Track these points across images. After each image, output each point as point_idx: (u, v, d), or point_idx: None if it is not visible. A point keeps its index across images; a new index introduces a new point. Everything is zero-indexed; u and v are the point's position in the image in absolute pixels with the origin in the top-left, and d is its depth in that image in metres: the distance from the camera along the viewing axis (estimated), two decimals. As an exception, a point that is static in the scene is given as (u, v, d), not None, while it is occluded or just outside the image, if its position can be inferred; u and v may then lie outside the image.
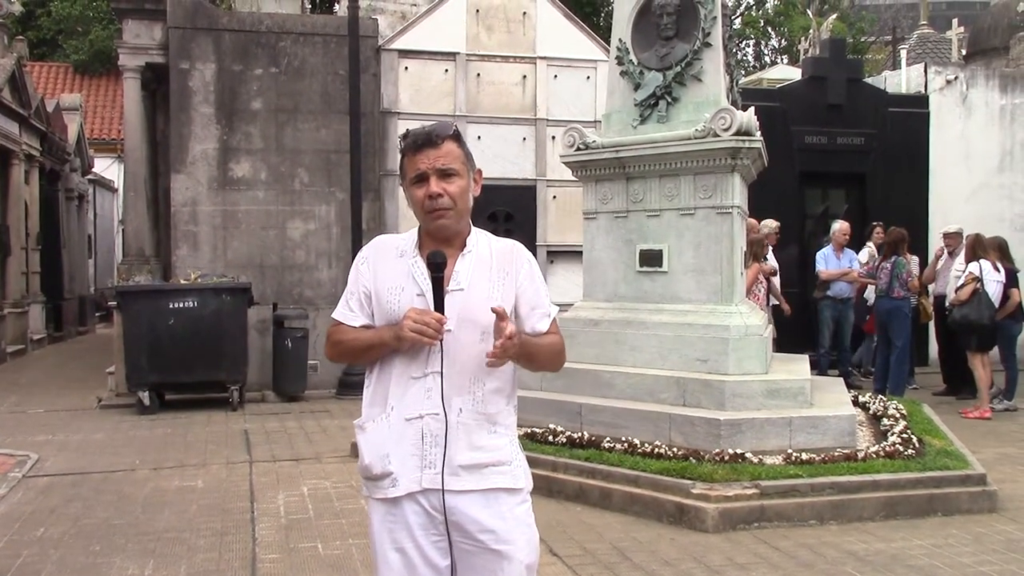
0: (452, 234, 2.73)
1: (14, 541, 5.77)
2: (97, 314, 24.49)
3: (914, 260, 11.20)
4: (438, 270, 2.61)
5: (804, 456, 6.36)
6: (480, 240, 2.79)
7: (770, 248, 10.68)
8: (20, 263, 17.86)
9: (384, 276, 2.74)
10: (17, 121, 17.22)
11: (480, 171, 2.83)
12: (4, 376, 14.20)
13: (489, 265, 2.74)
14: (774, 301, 10.47)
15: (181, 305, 10.47)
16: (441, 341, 2.61)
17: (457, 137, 2.75)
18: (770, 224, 11.00)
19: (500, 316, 2.53)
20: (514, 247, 2.83)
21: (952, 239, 11.48)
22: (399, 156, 2.81)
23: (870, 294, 11.67)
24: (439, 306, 2.61)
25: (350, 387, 11.50)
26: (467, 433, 2.66)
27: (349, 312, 2.78)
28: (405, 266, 2.72)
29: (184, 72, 11.85)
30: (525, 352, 2.67)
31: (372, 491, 2.73)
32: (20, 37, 20.93)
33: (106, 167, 27.59)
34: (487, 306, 2.60)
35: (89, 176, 25.26)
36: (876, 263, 10.97)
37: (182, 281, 11.04)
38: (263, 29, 12.15)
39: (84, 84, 29.17)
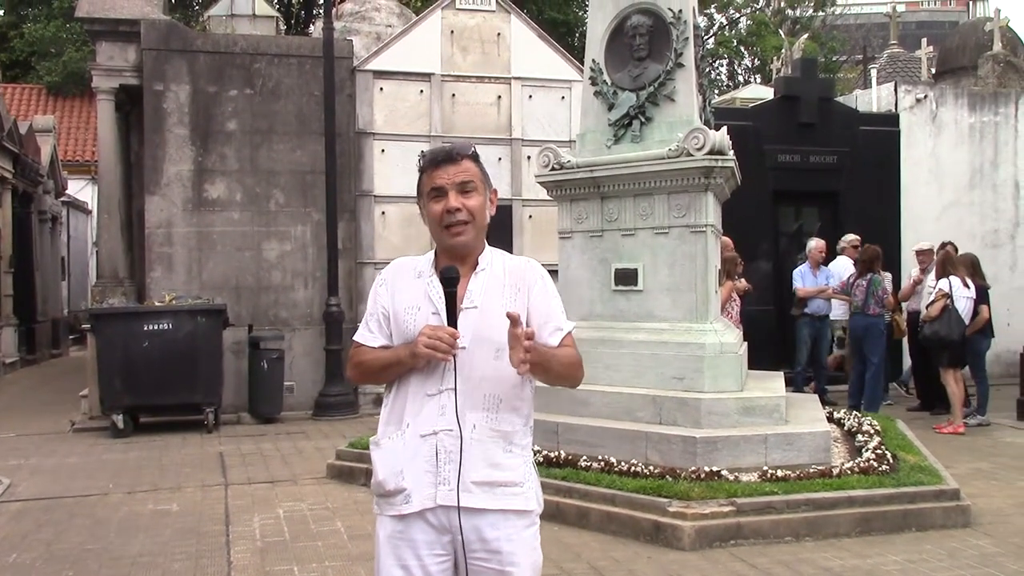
0: (469, 251, 2.76)
1: (-15, 568, 5.71)
2: (71, 337, 24.26)
3: (887, 277, 11.29)
4: (451, 285, 2.64)
5: (780, 473, 6.39)
6: (494, 258, 2.82)
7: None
8: (-8, 286, 17.69)
9: (402, 297, 2.77)
10: (-11, 143, 17.08)
11: (496, 191, 2.88)
12: (-24, 400, 14.03)
13: (502, 282, 2.76)
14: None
15: (156, 327, 10.41)
16: (455, 358, 2.63)
17: (475, 157, 2.80)
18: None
19: (514, 322, 2.54)
20: (527, 263, 2.87)
21: (924, 256, 11.59)
22: (417, 175, 2.84)
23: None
24: (452, 321, 2.63)
25: (326, 408, 11.48)
26: (482, 450, 2.67)
27: (368, 333, 2.83)
28: (422, 286, 2.76)
29: (158, 94, 11.82)
30: (540, 360, 2.65)
31: (384, 508, 2.73)
32: (-8, 59, 20.83)
33: (80, 189, 27.40)
34: (501, 323, 2.61)
35: (63, 198, 25.08)
36: (851, 280, 11.05)
37: (156, 303, 10.97)
38: (238, 50, 12.14)
39: (57, 106, 28.99)
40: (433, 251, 2.84)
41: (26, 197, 20.73)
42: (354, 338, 2.88)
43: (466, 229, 2.72)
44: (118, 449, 9.65)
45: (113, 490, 7.77)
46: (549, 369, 2.72)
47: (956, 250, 10.95)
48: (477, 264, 2.77)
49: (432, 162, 2.76)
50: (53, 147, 23.13)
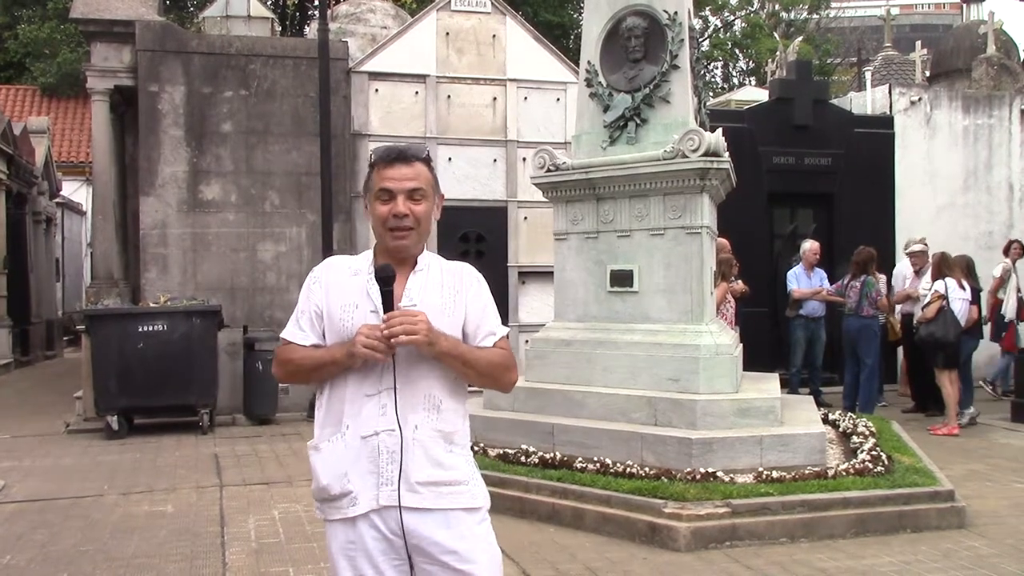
0: (409, 255, 2.76)
1: (-21, 569, 5.69)
2: (65, 338, 24.20)
3: (882, 279, 11.31)
4: (387, 284, 2.63)
5: (775, 474, 6.40)
6: (432, 260, 2.81)
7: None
8: (-14, 287, 17.65)
9: (337, 295, 2.74)
10: (-17, 144, 17.05)
11: (442, 196, 2.88)
12: (-31, 402, 14.00)
13: (440, 282, 2.76)
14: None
15: (150, 328, 10.39)
16: (394, 357, 2.62)
17: (428, 160, 2.80)
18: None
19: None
20: (464, 268, 2.85)
21: (918, 257, 11.62)
22: (368, 171, 2.83)
23: (1008, 311, 11.70)
24: None
25: (322, 410, 11.44)
26: (424, 450, 2.65)
27: (299, 331, 2.78)
28: (359, 284, 2.73)
29: (153, 95, 11.80)
30: (456, 355, 2.66)
31: (330, 512, 2.71)
32: (-13, 60, 20.80)
33: (74, 190, 27.36)
34: (439, 321, 2.63)
35: (57, 199, 25.02)
36: (845, 282, 11.08)
37: (151, 304, 10.95)
38: (233, 51, 12.13)
39: (52, 107, 28.94)
40: (371, 250, 2.82)
41: (20, 198, 20.69)
42: (282, 335, 2.83)
43: (410, 235, 2.72)
44: (113, 450, 9.63)
45: (108, 491, 7.75)
46: (469, 364, 2.71)
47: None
48: (416, 264, 2.77)
49: (385, 158, 2.73)
50: (47, 148, 23.10)
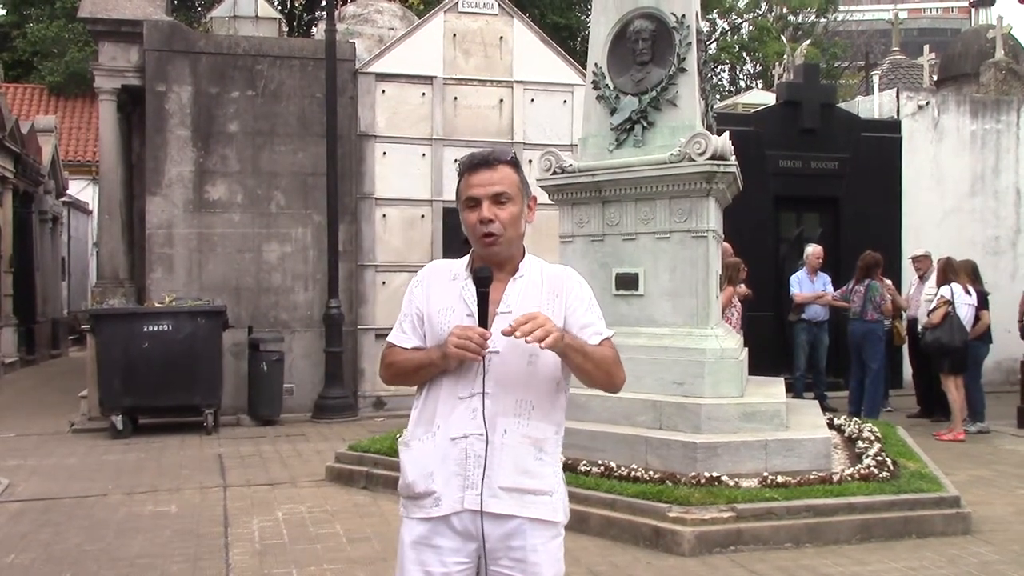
0: (503, 259, 2.75)
1: (-17, 568, 5.70)
2: (70, 337, 24.24)
3: (888, 284, 11.28)
4: (483, 285, 2.62)
5: (780, 479, 6.38)
6: (532, 265, 2.81)
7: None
8: (-8, 286, 17.69)
9: (436, 299, 2.76)
10: (-9, 143, 17.10)
11: (535, 197, 2.87)
12: (-25, 400, 14.03)
13: (540, 289, 2.75)
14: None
15: (155, 328, 10.40)
16: (487, 361, 2.62)
17: (515, 163, 2.79)
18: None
19: (508, 333, 2.53)
20: (565, 271, 2.86)
21: (921, 262, 11.59)
22: (456, 178, 2.83)
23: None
24: (483, 321, 2.61)
25: (326, 411, 11.46)
26: (512, 456, 2.65)
27: (402, 334, 2.81)
28: (456, 289, 2.75)
29: (160, 94, 11.82)
30: (577, 347, 2.65)
31: (412, 511, 2.72)
32: (-5, 58, 20.85)
33: (81, 189, 27.42)
34: None
35: (63, 198, 25.08)
36: (850, 286, 11.06)
37: (156, 304, 10.96)
38: (240, 52, 12.14)
39: (59, 106, 29.01)
40: (469, 255, 2.83)
41: (27, 197, 20.73)
42: (387, 339, 2.87)
43: (498, 240, 2.71)
44: (117, 450, 9.64)
45: (112, 491, 7.75)
46: (588, 357, 2.69)
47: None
48: (517, 270, 2.77)
49: (469, 166, 2.75)
50: (54, 147, 23.14)
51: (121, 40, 12.04)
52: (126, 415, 10.38)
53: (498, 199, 2.71)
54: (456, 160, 2.85)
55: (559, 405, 2.79)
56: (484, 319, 2.61)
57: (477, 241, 2.74)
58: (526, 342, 2.51)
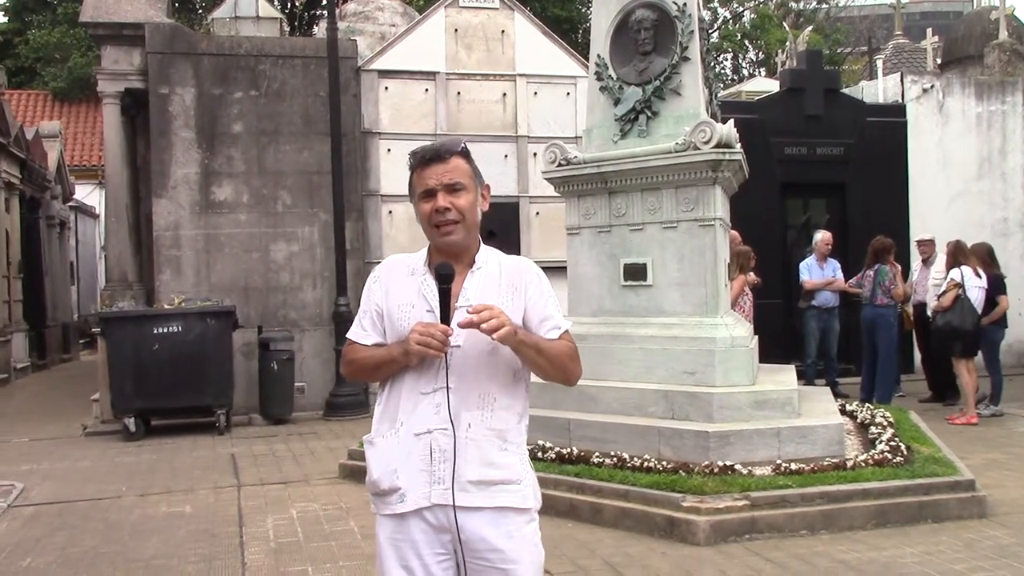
0: (460, 250, 2.75)
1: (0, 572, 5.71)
2: (81, 341, 24.31)
3: (898, 269, 11.24)
4: (445, 281, 2.61)
5: (793, 466, 6.36)
6: (490, 257, 2.80)
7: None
8: (2, 292, 17.77)
9: (395, 294, 2.76)
10: (-4, 149, 17.14)
11: (488, 186, 2.86)
12: (-13, 406, 14.08)
13: (498, 281, 2.75)
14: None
15: (165, 330, 10.42)
16: (449, 356, 2.62)
17: (465, 153, 2.78)
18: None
19: (472, 319, 2.53)
20: (521, 262, 2.85)
21: (925, 247, 11.56)
22: (408, 173, 2.81)
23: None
24: (445, 318, 2.60)
25: (337, 408, 11.47)
26: (477, 449, 2.66)
27: (361, 331, 2.81)
28: (415, 284, 2.74)
29: (164, 97, 11.83)
30: (530, 343, 2.65)
31: (380, 507, 2.73)
32: (-2, 65, 20.88)
33: (87, 194, 27.47)
34: None
35: (70, 203, 25.14)
36: (862, 273, 11.03)
37: (166, 306, 10.98)
38: (242, 52, 12.15)
39: (63, 111, 29.08)
40: (427, 249, 2.82)
41: (34, 203, 20.80)
42: (347, 335, 2.87)
43: (455, 228, 2.70)
44: (130, 452, 9.67)
45: (126, 493, 7.77)
46: (542, 353, 2.69)
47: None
48: (473, 263, 2.76)
49: (421, 161, 2.74)
50: (60, 152, 23.21)
51: (123, 44, 12.06)
52: (138, 417, 10.41)
53: (452, 188, 2.70)
54: (409, 153, 2.82)
55: (520, 395, 2.79)
56: (446, 315, 2.61)
57: (433, 231, 2.73)
58: (479, 329, 2.52)
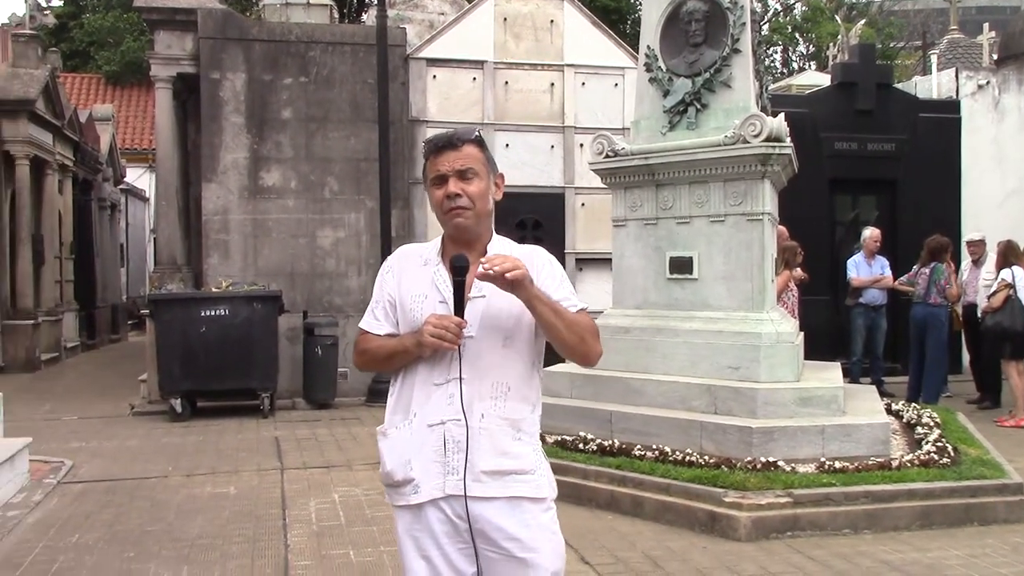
0: (472, 237, 2.74)
1: (50, 547, 5.83)
2: (129, 322, 24.72)
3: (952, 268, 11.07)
4: (460, 274, 2.60)
5: (837, 465, 6.30)
6: (502, 247, 2.78)
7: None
8: (54, 272, 18.09)
9: (408, 285, 2.76)
10: (51, 131, 17.44)
11: (502, 175, 2.84)
12: (39, 383, 14.37)
13: None
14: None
15: (212, 313, 10.55)
16: (462, 347, 2.61)
17: (479, 142, 2.76)
18: None
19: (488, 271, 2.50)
20: (534, 250, 2.82)
21: (976, 247, 11.36)
22: (423, 161, 2.82)
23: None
24: (459, 310, 2.60)
25: (380, 395, 11.51)
26: (490, 439, 2.65)
27: (374, 321, 2.81)
28: (428, 274, 2.73)
29: (215, 82, 11.95)
30: (546, 301, 2.61)
31: (394, 498, 2.74)
32: (53, 49, 21.22)
33: (137, 177, 27.87)
34: (509, 311, 2.61)
35: (121, 186, 25.52)
36: (915, 269, 10.87)
37: (213, 289, 11.12)
38: (292, 39, 12.23)
39: (116, 95, 29.51)
40: (439, 238, 2.81)
41: (86, 185, 21.14)
42: (359, 325, 2.87)
43: (466, 213, 2.69)
44: (176, 433, 9.81)
45: (172, 473, 7.90)
46: (561, 316, 2.64)
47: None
48: (485, 252, 2.74)
49: (434, 149, 2.73)
50: (112, 135, 23.57)
51: (176, 28, 12.19)
52: (185, 398, 10.56)
53: (464, 175, 2.69)
54: (423, 141, 2.82)
55: (534, 384, 2.78)
56: (460, 307, 2.60)
57: (445, 216, 2.71)
58: (492, 272, 2.48)
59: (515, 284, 2.52)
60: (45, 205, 17.62)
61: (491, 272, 2.49)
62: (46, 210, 17.65)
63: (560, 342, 2.71)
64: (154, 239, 17.80)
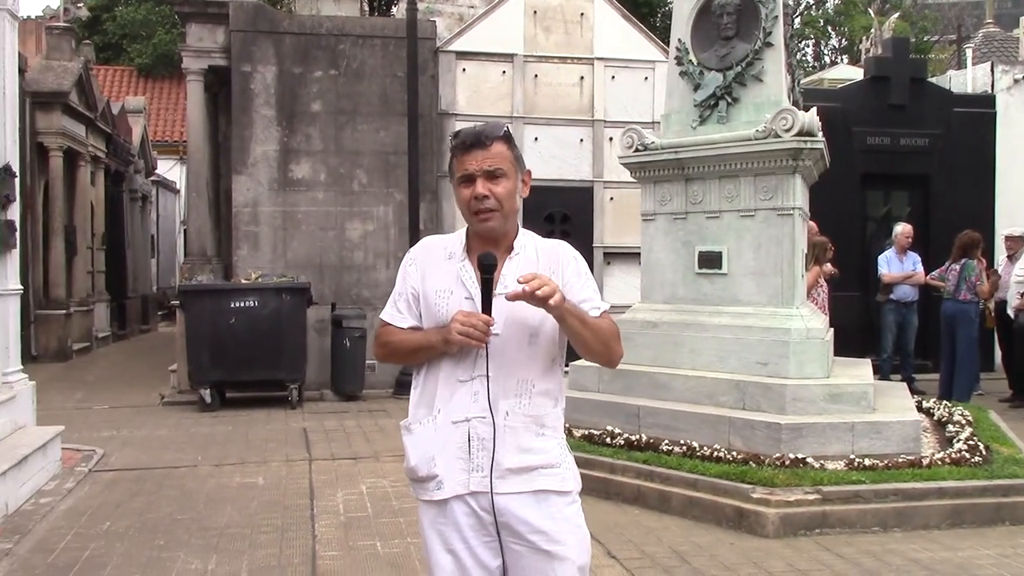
0: (499, 236, 2.72)
1: (81, 534, 5.90)
2: (159, 313, 24.94)
3: (983, 264, 10.94)
4: (489, 271, 2.59)
5: (867, 462, 6.25)
6: (527, 242, 2.77)
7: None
8: (86, 262, 18.28)
9: (432, 278, 2.74)
10: (84, 123, 17.61)
11: (529, 172, 2.82)
12: (70, 373, 14.53)
13: (536, 265, 2.70)
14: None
15: (242, 304, 10.62)
16: (488, 344, 2.60)
17: (507, 138, 2.73)
18: None
19: (520, 294, 2.50)
20: (559, 245, 2.81)
21: (1014, 242, 11.21)
22: (449, 156, 2.80)
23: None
24: (487, 308, 2.59)
25: (407, 387, 11.30)
26: (515, 436, 2.65)
27: (397, 314, 2.80)
28: (454, 269, 2.71)
29: (246, 75, 12.01)
30: (576, 313, 2.62)
31: (418, 492, 2.74)
32: (87, 41, 21.46)
33: (169, 168, 28.11)
34: (535, 310, 2.59)
35: (152, 177, 25.74)
36: (947, 265, 10.75)
37: (243, 281, 11.19)
38: (323, 32, 12.27)
39: (148, 87, 29.76)
40: (463, 231, 2.79)
41: (118, 176, 21.34)
42: (381, 316, 2.85)
43: (493, 216, 2.67)
44: (206, 423, 9.89)
45: (201, 462, 7.96)
46: (587, 325, 2.65)
47: None
48: (512, 248, 2.73)
49: (462, 146, 2.70)
50: (144, 127, 23.77)
51: (208, 21, 12.26)
52: (214, 389, 10.64)
53: (492, 175, 2.66)
54: (451, 135, 2.79)
55: (556, 379, 2.77)
56: (488, 305, 2.58)
57: (472, 217, 2.69)
58: (528, 291, 2.47)
59: (546, 301, 2.51)
60: (78, 196, 17.80)
61: (524, 291, 2.49)
62: (79, 201, 17.84)
63: (586, 350, 2.73)
64: (184, 230, 17.96)
